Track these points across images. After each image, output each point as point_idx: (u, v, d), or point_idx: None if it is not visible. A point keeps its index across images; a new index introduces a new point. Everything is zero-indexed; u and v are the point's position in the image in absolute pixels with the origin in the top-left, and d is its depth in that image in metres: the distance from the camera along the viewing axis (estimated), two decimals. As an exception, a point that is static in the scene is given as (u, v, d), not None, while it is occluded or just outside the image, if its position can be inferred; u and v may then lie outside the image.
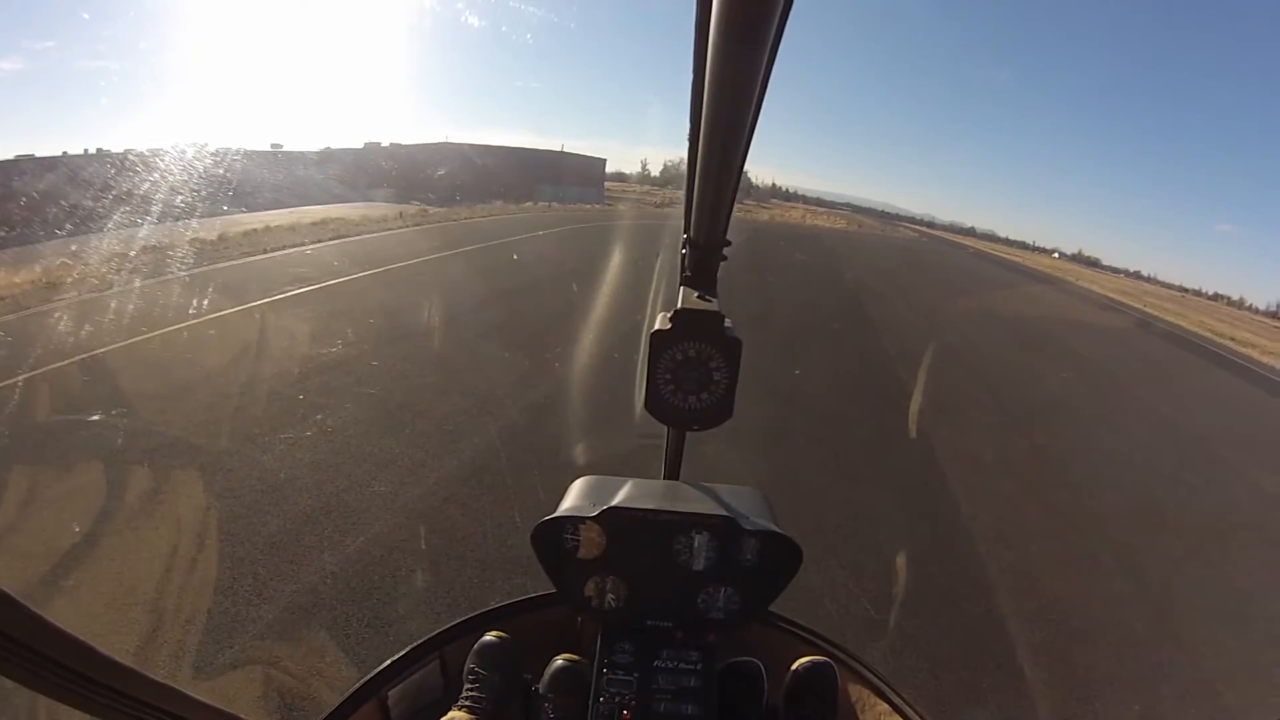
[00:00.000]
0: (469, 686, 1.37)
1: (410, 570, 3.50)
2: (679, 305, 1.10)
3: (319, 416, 5.08)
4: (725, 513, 1.23)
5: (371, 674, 1.39)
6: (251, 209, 15.95)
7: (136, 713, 0.73)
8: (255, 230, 13.96)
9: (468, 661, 1.40)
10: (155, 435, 4.54)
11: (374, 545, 3.63)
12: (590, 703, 1.24)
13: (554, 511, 1.26)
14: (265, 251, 12.29)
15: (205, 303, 7.77)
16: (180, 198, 11.59)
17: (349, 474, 4.34)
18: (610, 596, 1.29)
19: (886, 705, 1.41)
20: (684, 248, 1.13)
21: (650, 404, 1.15)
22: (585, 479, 1.37)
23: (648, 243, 19.26)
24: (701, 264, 1.14)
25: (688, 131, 0.75)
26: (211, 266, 10.18)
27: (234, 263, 10.84)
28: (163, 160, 12.71)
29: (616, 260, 15.53)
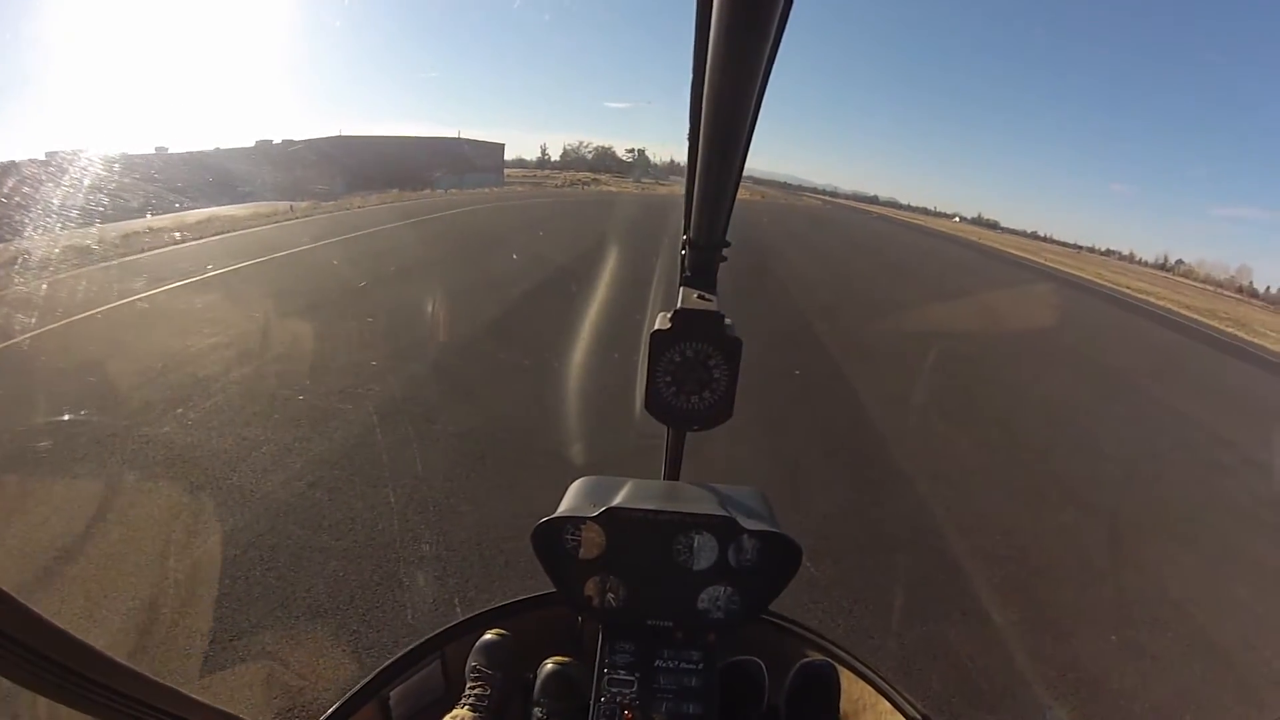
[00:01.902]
0: (471, 685, 1.39)
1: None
2: (679, 305, 1.12)
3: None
4: (725, 512, 1.23)
5: (373, 674, 1.40)
6: (132, 214, 16.02)
7: (136, 713, 0.73)
8: (135, 234, 14.21)
9: (470, 660, 1.44)
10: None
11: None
12: (591, 703, 1.24)
13: (554, 512, 1.26)
14: (141, 251, 12.68)
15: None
16: (56, 207, 11.83)
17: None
18: (610, 596, 1.29)
19: (888, 704, 1.42)
20: (683, 248, 1.14)
21: (650, 404, 1.18)
22: (585, 479, 1.37)
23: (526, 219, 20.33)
24: (701, 264, 1.16)
25: (687, 131, 0.76)
26: (73, 272, 9.85)
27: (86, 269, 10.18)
28: (37, 169, 12.83)
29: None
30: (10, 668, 0.58)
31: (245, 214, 19.16)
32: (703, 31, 0.56)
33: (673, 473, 1.50)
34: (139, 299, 8.19)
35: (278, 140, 33.34)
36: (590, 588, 1.29)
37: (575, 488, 1.35)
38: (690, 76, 0.65)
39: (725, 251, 1.13)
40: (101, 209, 12.75)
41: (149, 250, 12.42)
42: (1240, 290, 61.39)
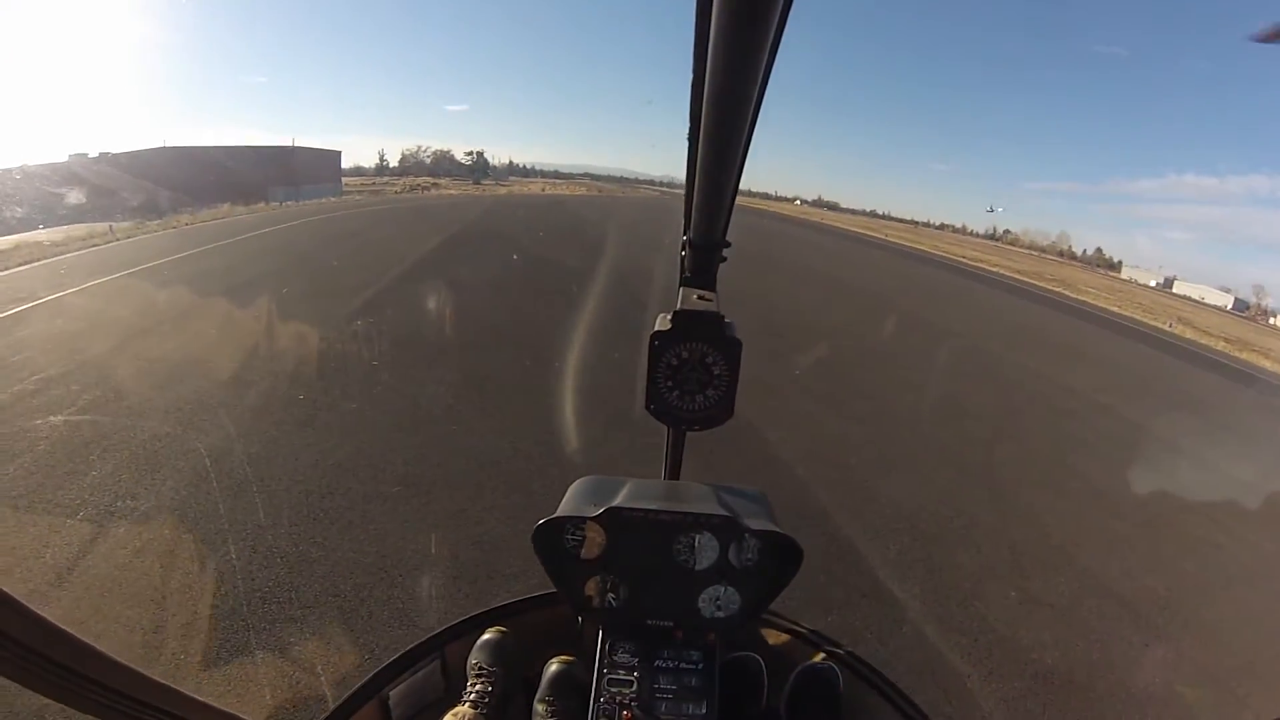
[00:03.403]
0: (473, 682, 1.42)
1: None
2: (678, 306, 1.15)
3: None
4: (726, 512, 1.24)
5: (373, 673, 1.42)
6: None
7: (136, 713, 0.74)
8: None
9: (470, 658, 1.47)
10: None
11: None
12: (591, 703, 1.25)
13: (555, 512, 1.27)
14: None
15: None
16: None
17: None
18: (611, 596, 1.29)
19: (889, 705, 1.45)
20: (683, 248, 1.17)
21: (650, 404, 1.20)
22: (585, 479, 1.38)
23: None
24: (700, 264, 1.19)
25: (688, 131, 0.77)
26: None
27: None
28: None
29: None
30: (10, 668, 0.59)
31: (59, 238, 17.93)
32: (703, 32, 0.57)
33: (673, 473, 1.52)
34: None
35: (94, 154, 31.61)
36: (591, 587, 1.30)
37: (576, 488, 1.37)
38: (690, 76, 0.66)
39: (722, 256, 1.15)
40: None
41: None
42: (1061, 254, 70.14)
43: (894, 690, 1.47)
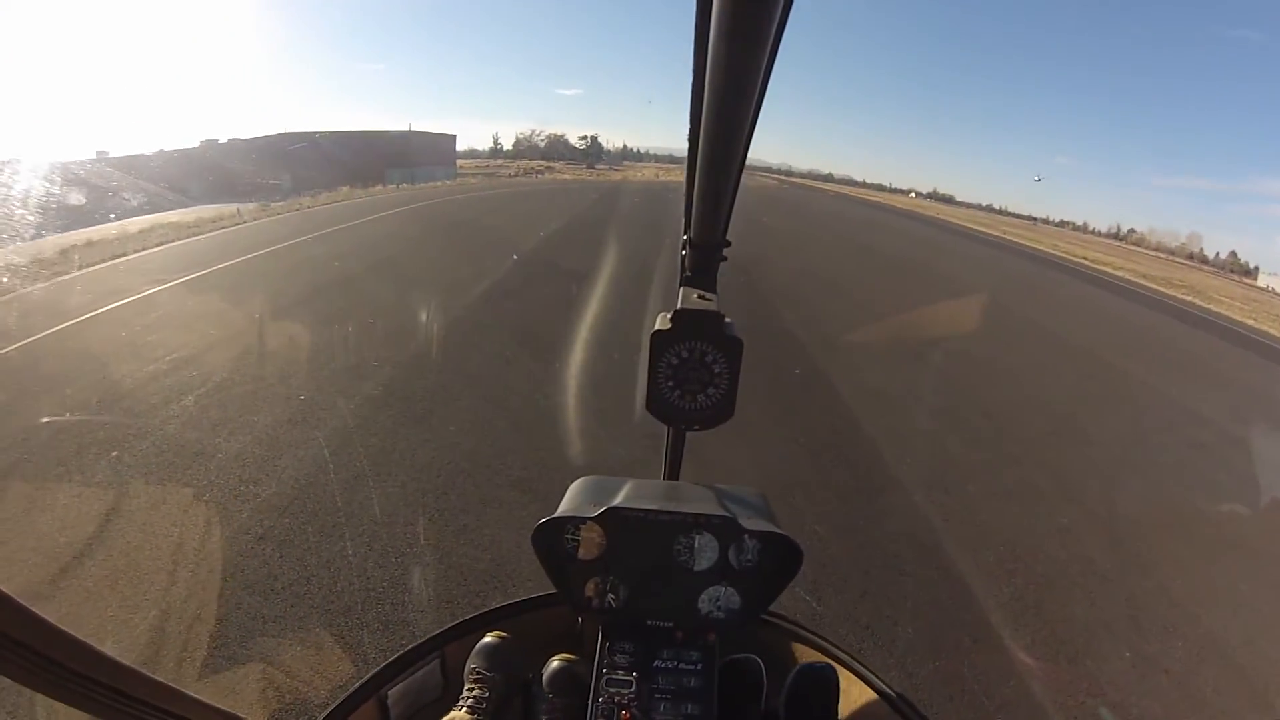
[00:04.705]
0: (470, 686, 1.39)
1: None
2: (679, 305, 1.12)
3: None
4: (725, 513, 1.23)
5: (371, 673, 1.40)
6: (72, 226, 15.54)
7: (136, 713, 0.74)
8: (74, 247, 13.82)
9: (468, 662, 1.43)
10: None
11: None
12: (590, 703, 1.24)
13: (554, 512, 1.26)
14: (80, 268, 12.37)
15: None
16: None
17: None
18: (610, 596, 1.29)
19: (887, 707, 1.43)
20: (684, 248, 1.15)
21: (651, 404, 1.18)
22: (585, 479, 1.37)
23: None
24: (701, 264, 1.17)
25: (687, 131, 0.76)
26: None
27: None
28: None
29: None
30: (10, 668, 0.58)
31: (190, 220, 18.60)
32: (703, 32, 0.56)
33: (673, 473, 1.50)
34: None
35: (223, 139, 32.59)
36: (590, 588, 1.29)
37: (575, 488, 1.35)
38: (690, 76, 0.65)
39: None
40: (39, 221, 12.45)
41: (87, 267, 12.11)
42: (1191, 257, 63.42)
43: (892, 691, 1.44)
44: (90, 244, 13.94)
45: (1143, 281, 28.12)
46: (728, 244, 1.11)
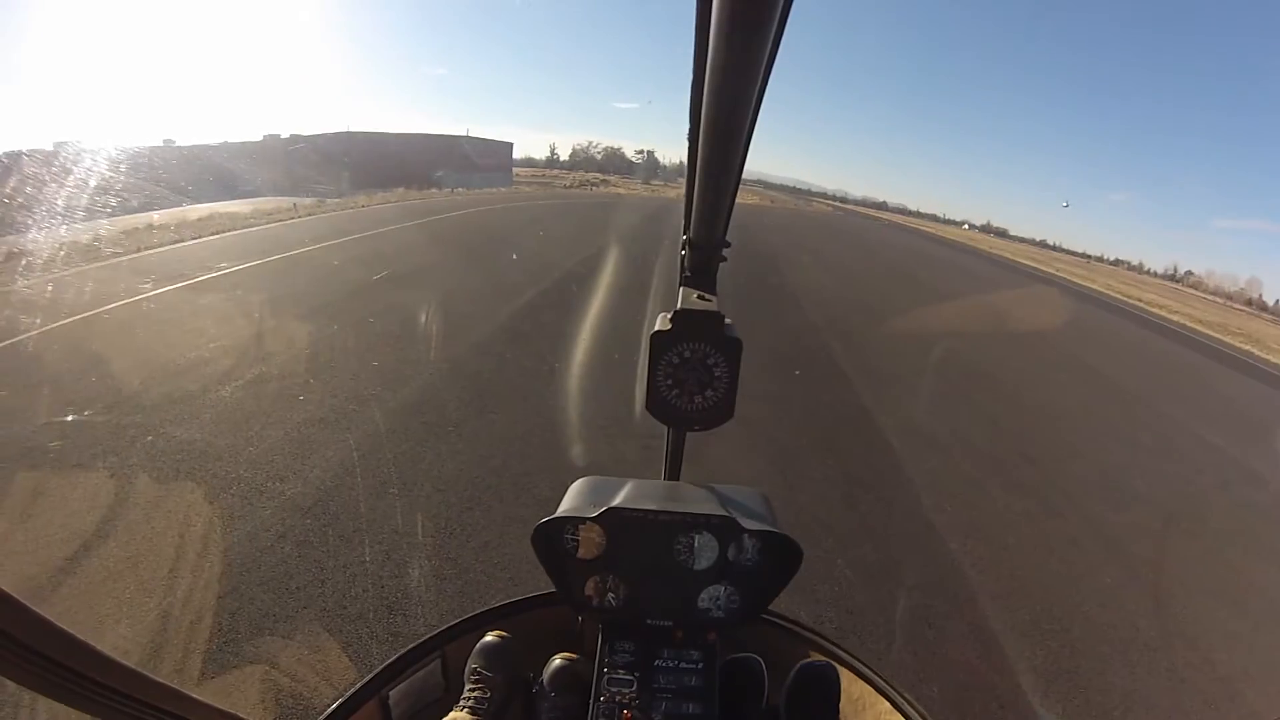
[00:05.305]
0: (470, 687, 1.38)
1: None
2: (679, 306, 1.12)
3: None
4: (725, 513, 1.23)
5: (372, 673, 1.40)
6: (133, 210, 15.86)
7: (136, 713, 0.73)
8: (136, 230, 14.00)
9: (469, 661, 1.42)
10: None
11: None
12: (591, 702, 1.24)
13: (554, 512, 1.26)
14: (138, 250, 12.45)
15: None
16: (59, 198, 11.62)
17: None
18: (611, 596, 1.29)
19: (887, 704, 1.42)
20: (683, 248, 1.14)
21: (651, 404, 1.17)
22: (585, 479, 1.37)
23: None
24: (701, 264, 1.16)
25: (687, 131, 0.76)
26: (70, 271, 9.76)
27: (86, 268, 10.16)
28: (42, 161, 12.64)
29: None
30: (10, 668, 0.58)
31: (247, 211, 18.85)
32: (703, 31, 0.56)
33: (673, 473, 1.49)
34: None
35: (285, 135, 33.29)
36: (590, 588, 1.29)
37: (575, 488, 1.35)
38: (690, 76, 0.64)
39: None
40: (103, 203, 12.66)
41: (146, 249, 12.11)
42: (1250, 302, 61.26)
43: (893, 690, 1.43)
44: (151, 227, 14.17)
45: (1198, 327, 27.15)
46: (728, 244, 1.08)
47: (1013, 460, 6.31)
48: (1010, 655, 3.40)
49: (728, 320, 1.12)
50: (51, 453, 4.25)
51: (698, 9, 0.54)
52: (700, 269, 1.16)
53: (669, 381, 1.15)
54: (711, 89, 0.58)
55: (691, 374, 1.14)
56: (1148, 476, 6.79)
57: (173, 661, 2.77)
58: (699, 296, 1.14)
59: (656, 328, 1.13)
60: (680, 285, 1.18)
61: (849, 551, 4.06)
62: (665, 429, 1.37)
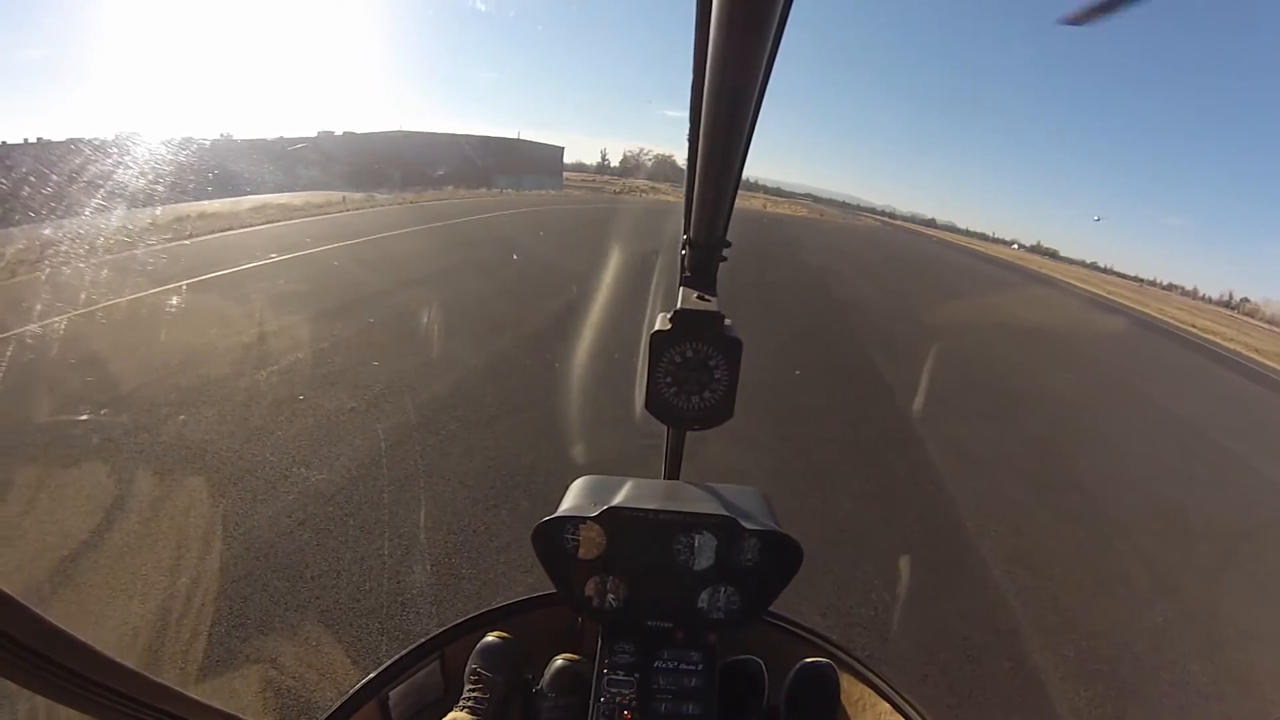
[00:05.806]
0: (470, 687, 1.37)
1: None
2: (679, 305, 1.10)
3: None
4: (726, 512, 1.22)
5: (372, 674, 1.38)
6: (192, 197, 15.93)
7: (136, 713, 0.72)
8: (188, 217, 13.96)
9: (469, 662, 1.41)
10: None
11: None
12: (591, 703, 1.23)
13: (554, 512, 1.25)
14: (190, 236, 12.33)
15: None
16: (117, 186, 11.59)
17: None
18: (611, 596, 1.28)
19: (887, 705, 1.41)
20: (684, 248, 1.13)
21: (650, 404, 1.16)
22: (585, 479, 1.36)
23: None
24: (701, 264, 1.15)
25: (688, 131, 0.75)
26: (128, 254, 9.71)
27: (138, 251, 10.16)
28: (105, 149, 12.72)
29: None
30: (10, 668, 0.57)
31: (299, 203, 19.13)
32: (703, 31, 0.56)
33: (673, 472, 1.48)
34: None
35: (339, 132, 33.70)
36: (590, 588, 1.27)
37: (575, 487, 1.34)
38: (690, 76, 0.64)
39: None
40: (160, 191, 12.60)
41: (196, 236, 11.96)
42: None
43: (893, 690, 1.42)
44: (202, 216, 14.17)
45: (1255, 356, 25.64)
46: (728, 244, 1.07)
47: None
48: None
49: (727, 320, 1.09)
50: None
51: (698, 9, 0.55)
52: (700, 269, 1.14)
53: (669, 381, 1.12)
54: (711, 89, 0.58)
55: (691, 374, 1.11)
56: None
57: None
58: (699, 296, 1.11)
59: (656, 327, 1.10)
60: (680, 285, 1.15)
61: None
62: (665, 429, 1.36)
